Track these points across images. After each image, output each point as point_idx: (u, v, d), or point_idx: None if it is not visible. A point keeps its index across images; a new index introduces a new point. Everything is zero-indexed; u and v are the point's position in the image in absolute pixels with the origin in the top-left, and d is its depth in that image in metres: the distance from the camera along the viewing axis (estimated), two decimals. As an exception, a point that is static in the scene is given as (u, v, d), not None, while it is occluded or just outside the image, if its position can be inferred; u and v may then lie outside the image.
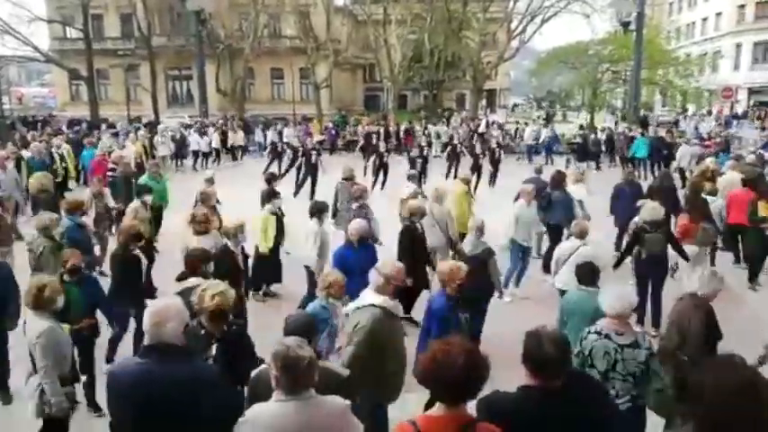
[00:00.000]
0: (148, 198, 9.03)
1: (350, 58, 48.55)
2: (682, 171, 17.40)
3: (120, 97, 39.50)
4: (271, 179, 10.22)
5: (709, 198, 9.42)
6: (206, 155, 22.71)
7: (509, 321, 6.27)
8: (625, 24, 28.37)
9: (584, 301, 4.96)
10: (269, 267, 8.32)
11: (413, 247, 7.35)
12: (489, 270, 6.60)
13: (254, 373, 3.35)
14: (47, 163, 14.18)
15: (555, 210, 9.37)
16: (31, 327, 4.21)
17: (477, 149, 18.03)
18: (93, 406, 5.32)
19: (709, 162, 12.65)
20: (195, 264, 5.13)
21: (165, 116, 35.92)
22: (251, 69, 41.26)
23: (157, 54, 39.62)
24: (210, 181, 10.24)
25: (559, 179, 9.79)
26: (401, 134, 26.68)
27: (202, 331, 3.79)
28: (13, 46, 34.42)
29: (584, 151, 21.38)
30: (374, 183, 16.24)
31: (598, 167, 21.39)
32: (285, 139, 22.73)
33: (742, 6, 46.00)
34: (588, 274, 5.27)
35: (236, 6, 41.61)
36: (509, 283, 8.48)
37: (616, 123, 31.68)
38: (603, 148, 22.51)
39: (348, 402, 2.86)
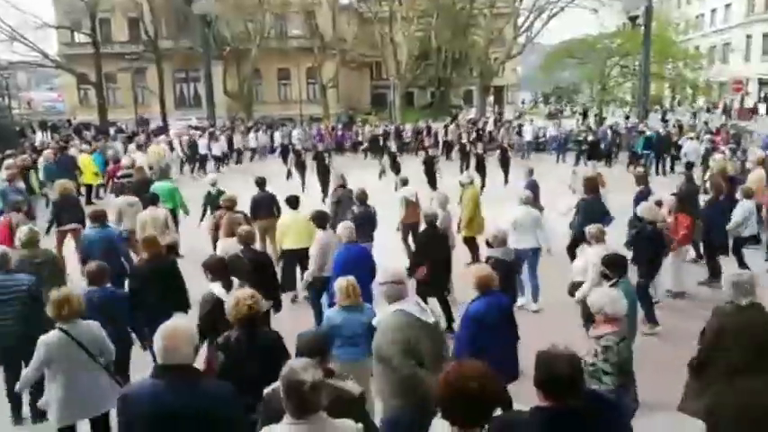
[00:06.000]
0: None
1: (356, 56, 48.54)
2: (690, 166, 17.21)
3: (128, 101, 39.65)
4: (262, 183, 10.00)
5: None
6: (219, 159, 22.93)
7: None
8: (633, 18, 28.10)
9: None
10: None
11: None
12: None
13: (267, 390, 3.28)
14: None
15: None
16: None
17: (479, 149, 17.60)
18: None
19: (719, 158, 12.23)
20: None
21: (174, 118, 36.10)
22: (258, 70, 41.37)
23: (165, 57, 39.80)
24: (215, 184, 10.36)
25: None
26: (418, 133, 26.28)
27: None
28: (21, 51, 34.76)
29: (595, 149, 21.17)
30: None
31: (609, 165, 21.24)
32: (294, 142, 22.59)
33: (752, -4, 45.45)
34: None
35: (242, 8, 41.69)
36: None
37: (627, 118, 31.23)
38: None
39: (360, 426, 2.81)
